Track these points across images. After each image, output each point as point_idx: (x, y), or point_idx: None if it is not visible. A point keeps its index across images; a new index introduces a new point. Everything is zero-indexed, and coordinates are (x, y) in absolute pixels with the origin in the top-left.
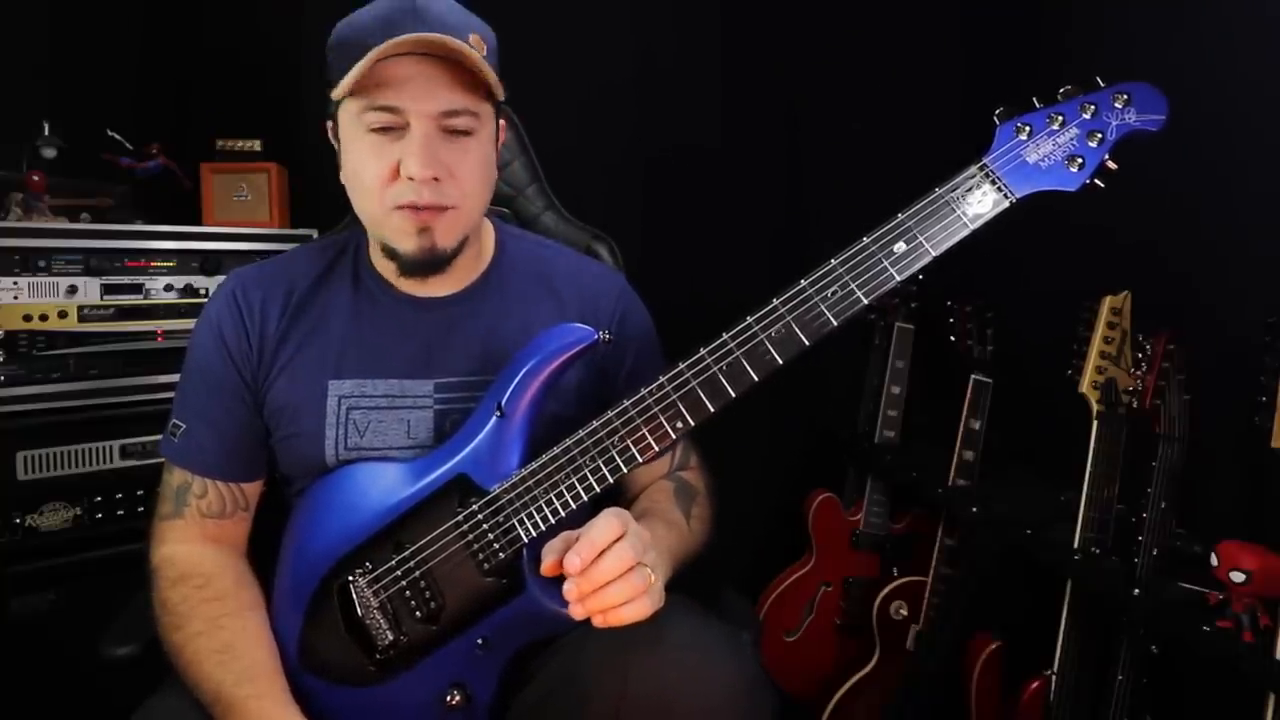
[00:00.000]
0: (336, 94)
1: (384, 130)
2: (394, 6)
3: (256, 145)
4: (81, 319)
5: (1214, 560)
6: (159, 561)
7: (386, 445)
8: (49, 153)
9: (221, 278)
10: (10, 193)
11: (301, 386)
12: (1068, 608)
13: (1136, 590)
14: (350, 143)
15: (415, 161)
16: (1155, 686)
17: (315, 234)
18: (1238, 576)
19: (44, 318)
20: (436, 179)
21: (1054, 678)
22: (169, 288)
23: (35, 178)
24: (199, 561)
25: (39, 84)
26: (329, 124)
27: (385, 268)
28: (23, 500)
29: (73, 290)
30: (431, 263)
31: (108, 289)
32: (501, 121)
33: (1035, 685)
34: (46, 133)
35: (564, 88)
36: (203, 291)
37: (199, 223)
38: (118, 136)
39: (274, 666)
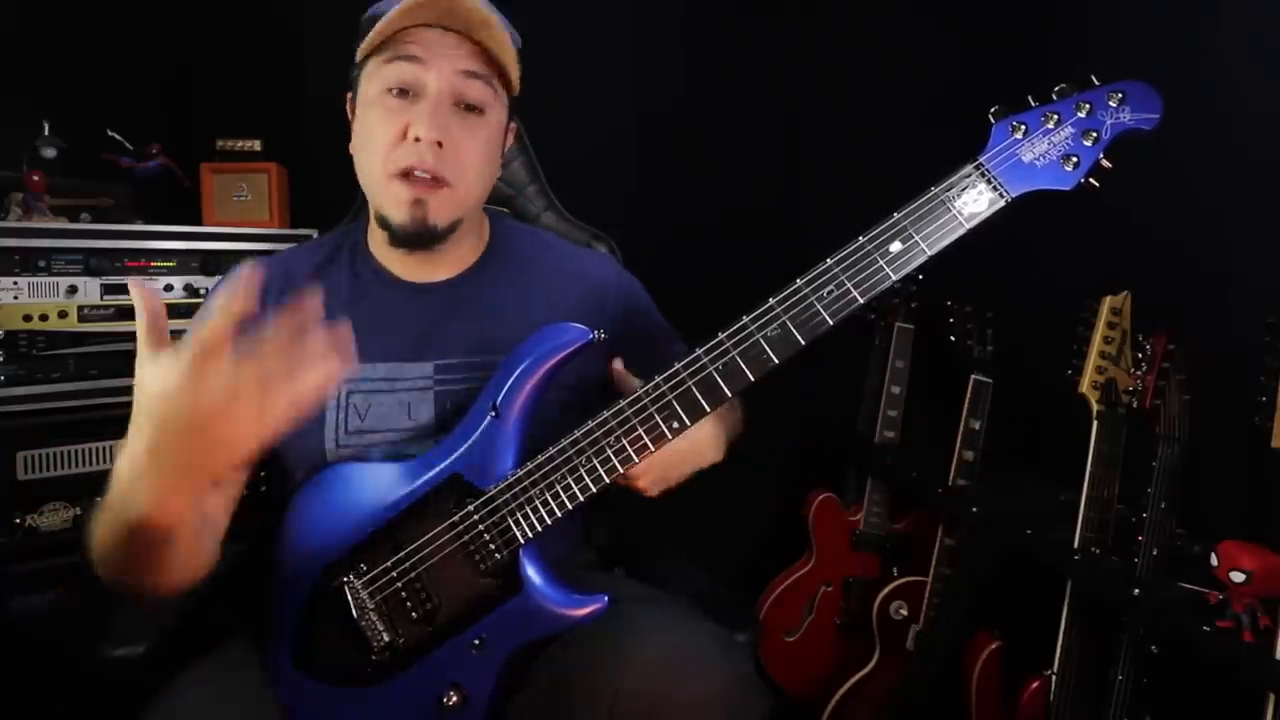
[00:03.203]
0: (362, 50)
1: (400, 94)
2: None
3: (256, 145)
4: (81, 319)
5: (1214, 560)
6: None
7: (387, 427)
8: (49, 153)
9: (221, 278)
10: (10, 193)
11: None
12: (1068, 608)
13: (1136, 590)
14: (365, 106)
15: (424, 123)
16: (1155, 686)
17: (315, 234)
18: (1238, 576)
19: (44, 318)
20: (440, 144)
21: (1054, 678)
22: (169, 288)
23: (35, 178)
24: None
25: (39, 84)
26: (349, 95)
27: (382, 251)
28: (23, 500)
29: (73, 290)
30: (421, 236)
31: (108, 289)
32: (512, 125)
33: (1035, 685)
34: (46, 133)
35: (564, 88)
36: (202, 291)
37: (199, 223)
38: (118, 136)
39: None
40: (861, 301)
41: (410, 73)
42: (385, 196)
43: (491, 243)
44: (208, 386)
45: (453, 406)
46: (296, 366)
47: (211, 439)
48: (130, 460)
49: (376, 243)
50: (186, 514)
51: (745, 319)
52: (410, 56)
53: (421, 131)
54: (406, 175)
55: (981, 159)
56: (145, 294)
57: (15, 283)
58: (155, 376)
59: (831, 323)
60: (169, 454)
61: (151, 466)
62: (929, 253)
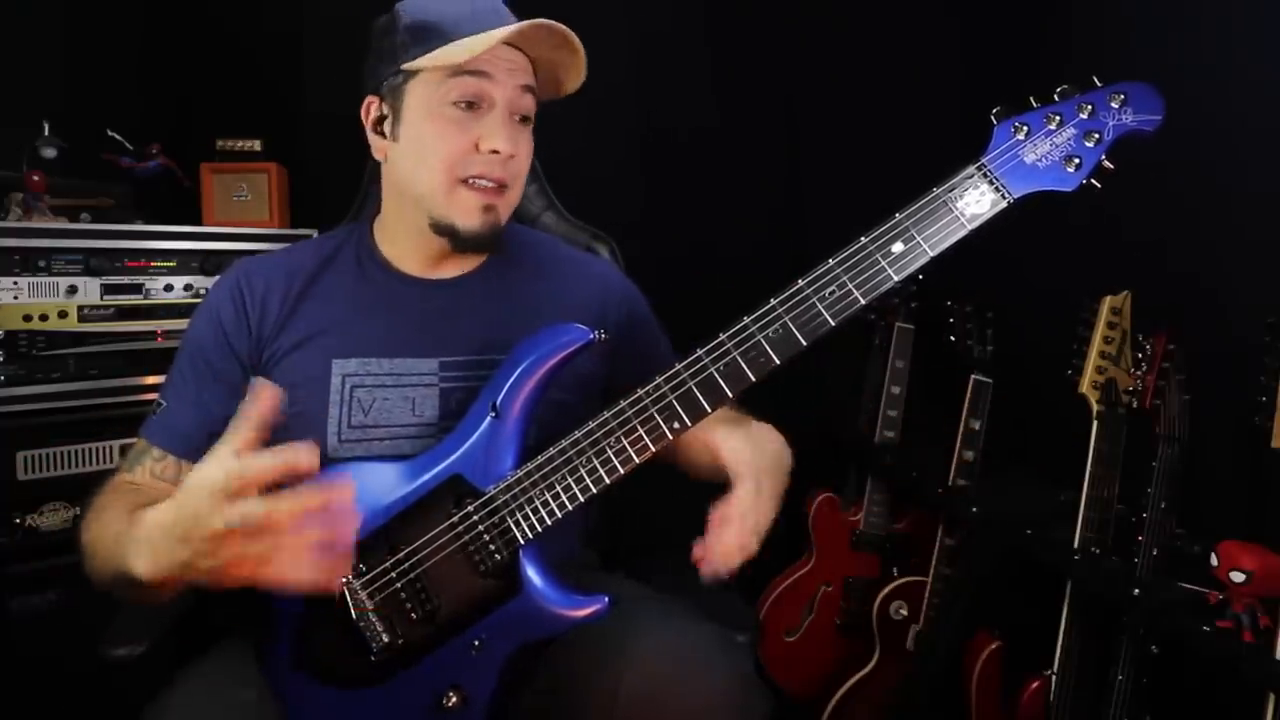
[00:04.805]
0: (430, 62)
1: (467, 106)
2: (476, 4)
3: (256, 145)
4: (81, 319)
5: (1214, 560)
6: (93, 508)
7: (391, 423)
8: (49, 153)
9: (221, 275)
10: (10, 193)
11: (305, 366)
12: (1068, 608)
13: (1136, 590)
14: (422, 116)
15: (501, 137)
16: (1155, 686)
17: (315, 234)
18: (1238, 576)
19: (44, 318)
20: (512, 156)
21: (1054, 678)
22: (169, 288)
23: (35, 178)
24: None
25: (39, 84)
26: (375, 100)
27: (392, 249)
28: (23, 500)
29: (73, 290)
30: (491, 239)
31: (108, 289)
32: None
33: (1035, 685)
34: (46, 133)
35: None
36: (202, 291)
37: (199, 223)
38: (118, 136)
39: None
40: (863, 302)
41: (479, 88)
42: (452, 204)
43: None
44: (230, 513)
45: (458, 404)
46: (309, 550)
47: (214, 557)
48: (148, 524)
49: (386, 241)
50: (177, 584)
51: (746, 319)
52: (481, 72)
53: (499, 145)
54: (467, 182)
55: (984, 160)
56: (270, 397)
57: (15, 283)
58: (208, 470)
59: (833, 323)
60: (179, 543)
61: (161, 544)
62: (931, 254)
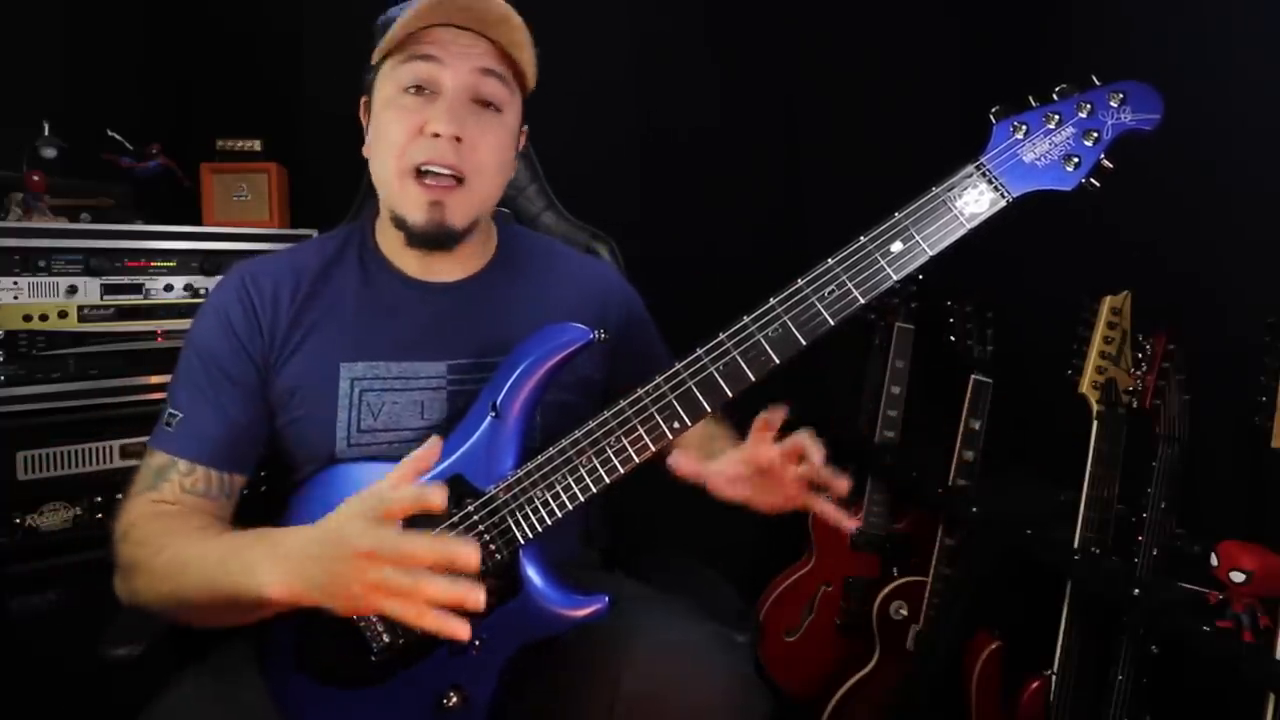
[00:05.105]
0: (379, 51)
1: (418, 91)
2: None
3: (256, 145)
4: (81, 319)
5: (1214, 560)
6: (125, 526)
7: (400, 426)
8: (49, 153)
9: (221, 278)
10: (10, 193)
11: (313, 369)
12: (1068, 608)
13: (1136, 590)
14: (382, 106)
15: (443, 118)
16: (1155, 686)
17: (315, 234)
18: (1238, 576)
19: (44, 318)
20: (459, 139)
21: (1054, 678)
22: (169, 288)
23: (35, 178)
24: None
25: (39, 84)
26: (364, 99)
27: (394, 251)
28: (23, 500)
29: (73, 290)
30: (439, 237)
31: (108, 289)
32: (524, 126)
33: (1035, 685)
34: (46, 133)
35: (562, 88)
36: (202, 291)
37: (199, 223)
38: (118, 136)
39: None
40: (863, 302)
41: (427, 71)
42: (402, 197)
43: (501, 245)
44: (372, 535)
45: (465, 407)
46: (434, 599)
47: (352, 580)
48: (287, 545)
49: (388, 242)
50: (302, 605)
51: (746, 319)
52: (427, 56)
53: (440, 127)
54: (421, 175)
55: (983, 159)
56: (435, 453)
57: (15, 283)
58: (358, 496)
59: (832, 323)
60: (319, 562)
61: (299, 563)
62: (930, 253)
